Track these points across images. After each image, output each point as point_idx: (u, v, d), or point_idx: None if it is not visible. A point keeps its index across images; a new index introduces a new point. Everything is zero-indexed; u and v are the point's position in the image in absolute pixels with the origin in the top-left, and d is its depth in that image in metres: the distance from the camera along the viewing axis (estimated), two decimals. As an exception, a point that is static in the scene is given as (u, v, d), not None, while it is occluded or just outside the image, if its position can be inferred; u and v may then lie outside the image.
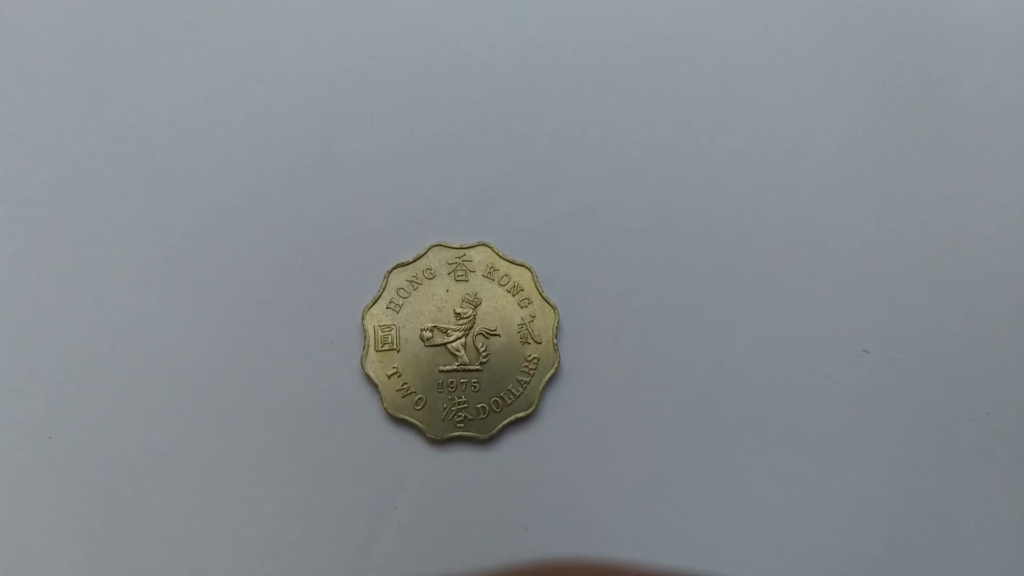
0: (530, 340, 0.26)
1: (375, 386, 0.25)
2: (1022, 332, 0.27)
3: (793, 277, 0.27)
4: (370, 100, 0.27)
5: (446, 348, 0.26)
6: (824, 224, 0.27)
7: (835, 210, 0.27)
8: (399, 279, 0.26)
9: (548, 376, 0.25)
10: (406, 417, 0.25)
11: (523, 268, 0.26)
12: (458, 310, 0.26)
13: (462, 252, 0.26)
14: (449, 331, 0.26)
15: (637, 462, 0.26)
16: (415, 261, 0.26)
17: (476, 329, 0.26)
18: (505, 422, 0.25)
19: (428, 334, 0.26)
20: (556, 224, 0.26)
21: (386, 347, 0.26)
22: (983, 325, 0.27)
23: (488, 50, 0.27)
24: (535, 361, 0.26)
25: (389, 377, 0.25)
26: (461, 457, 0.26)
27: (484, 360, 0.26)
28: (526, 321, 0.26)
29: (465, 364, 0.26)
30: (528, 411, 0.25)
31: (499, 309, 0.26)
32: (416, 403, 0.25)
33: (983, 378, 0.27)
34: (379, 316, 0.26)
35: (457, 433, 0.25)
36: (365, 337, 0.26)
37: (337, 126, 0.27)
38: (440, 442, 0.25)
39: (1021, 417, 0.27)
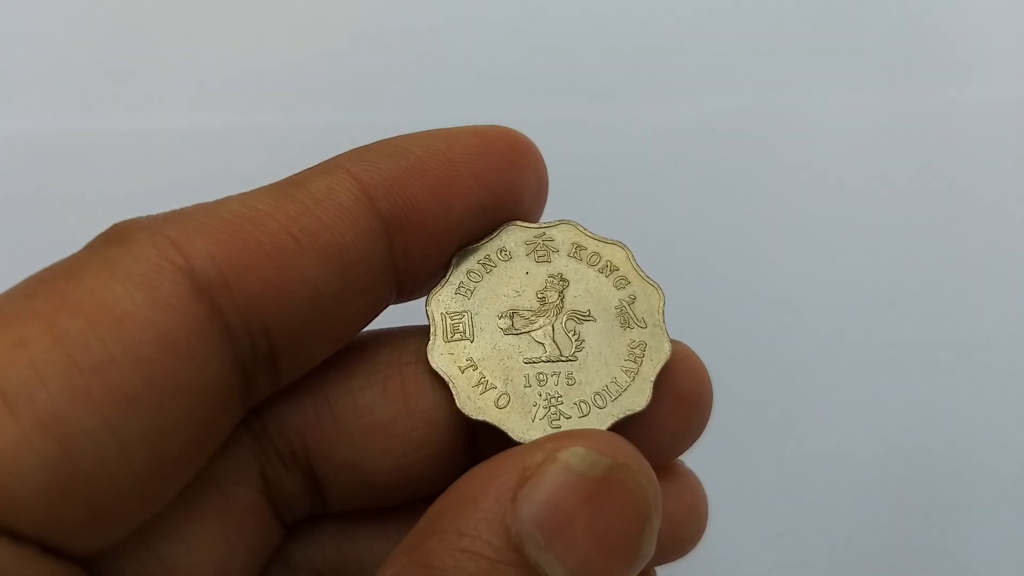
0: (632, 324, 0.22)
1: (444, 383, 0.21)
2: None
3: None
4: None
5: (530, 336, 0.22)
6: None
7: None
8: (469, 261, 0.22)
9: (663, 363, 0.21)
10: (486, 419, 0.21)
11: (616, 247, 0.22)
12: (542, 294, 0.22)
13: (541, 231, 0.23)
14: (532, 318, 0.22)
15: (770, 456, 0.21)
16: (486, 242, 0.22)
17: (565, 314, 0.22)
18: (619, 418, 0.21)
19: (507, 321, 0.22)
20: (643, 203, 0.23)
21: (457, 336, 0.21)
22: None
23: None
24: (642, 346, 0.21)
25: (463, 371, 0.21)
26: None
27: (579, 349, 0.22)
28: (626, 303, 0.22)
29: (555, 354, 0.21)
30: (643, 405, 0.21)
31: (591, 291, 0.22)
32: (498, 400, 0.21)
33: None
34: (447, 302, 0.22)
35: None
36: (432, 326, 0.21)
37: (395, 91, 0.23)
38: None
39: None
